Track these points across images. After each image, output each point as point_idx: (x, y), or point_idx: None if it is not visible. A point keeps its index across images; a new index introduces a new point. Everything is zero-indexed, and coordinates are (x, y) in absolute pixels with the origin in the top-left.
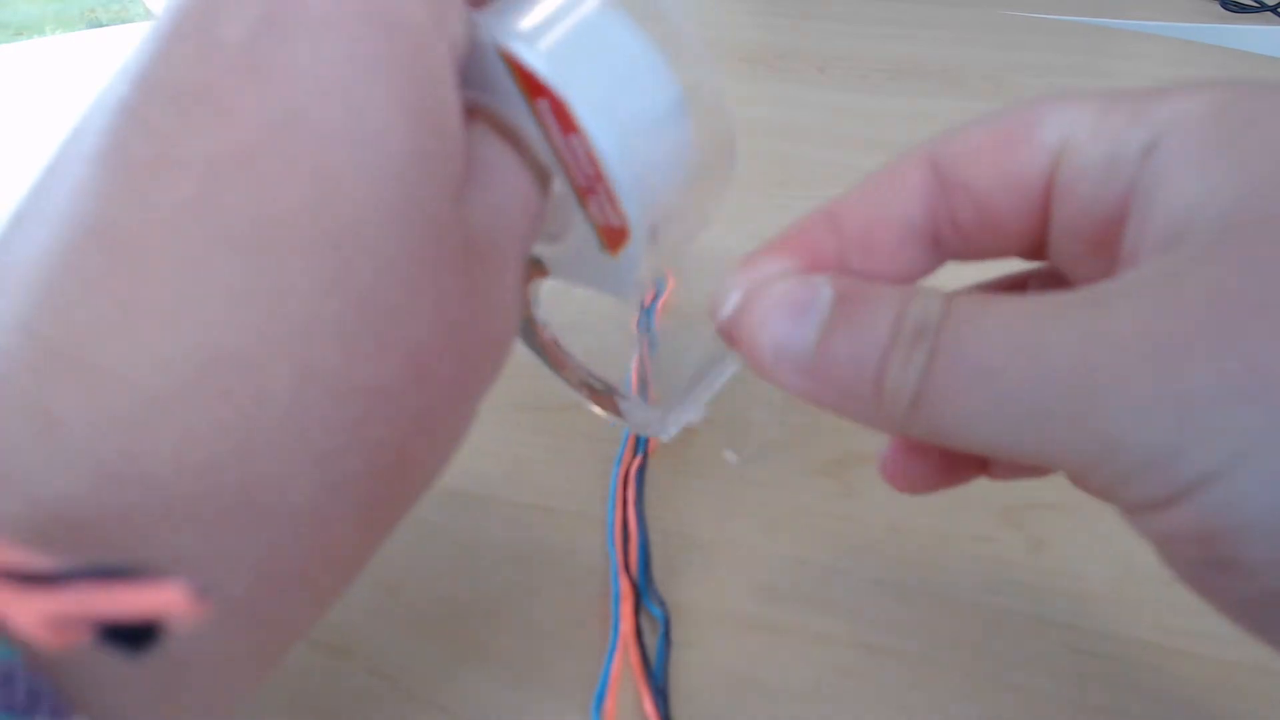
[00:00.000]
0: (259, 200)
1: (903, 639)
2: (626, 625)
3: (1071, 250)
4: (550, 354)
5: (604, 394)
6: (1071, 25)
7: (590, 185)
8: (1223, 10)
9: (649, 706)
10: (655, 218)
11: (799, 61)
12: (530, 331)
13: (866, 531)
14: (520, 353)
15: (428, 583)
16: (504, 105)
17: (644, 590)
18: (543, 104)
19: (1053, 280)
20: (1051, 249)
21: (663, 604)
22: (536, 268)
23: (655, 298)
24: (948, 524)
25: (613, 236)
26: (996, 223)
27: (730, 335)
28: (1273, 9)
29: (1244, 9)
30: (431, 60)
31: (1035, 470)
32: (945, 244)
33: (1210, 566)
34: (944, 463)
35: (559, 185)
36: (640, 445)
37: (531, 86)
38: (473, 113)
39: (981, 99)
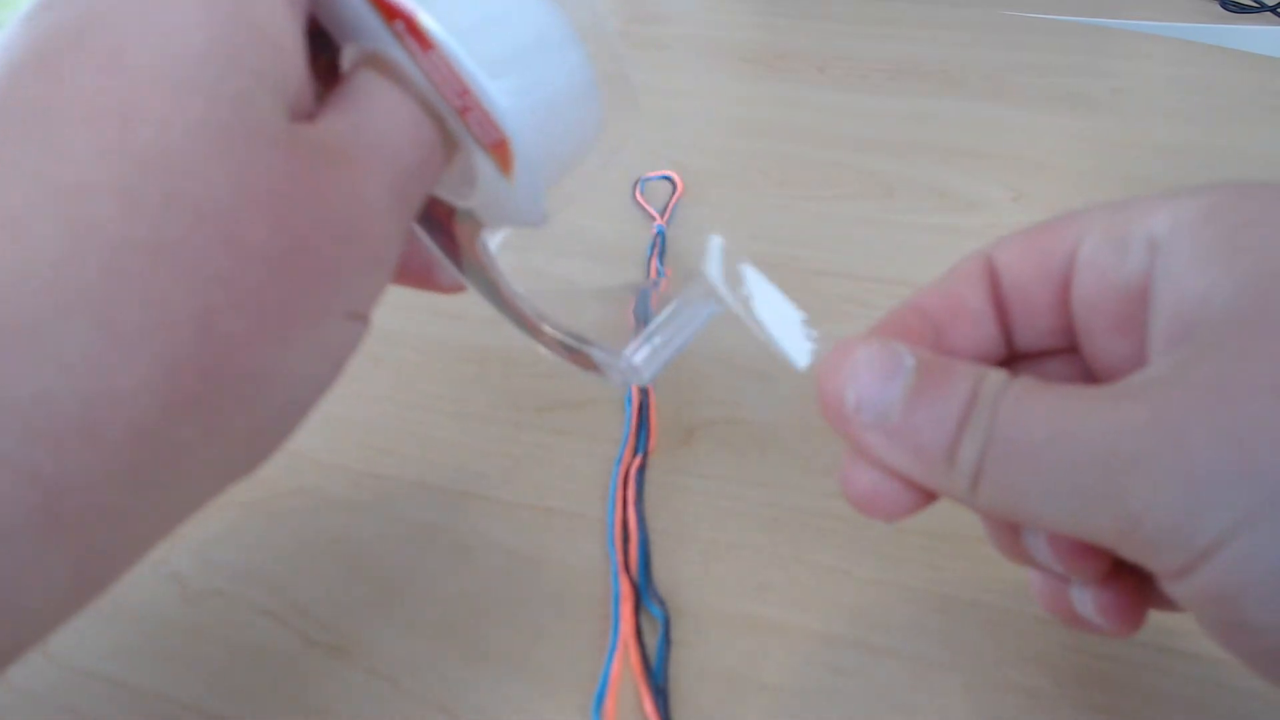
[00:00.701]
0: (51, 87)
1: (903, 639)
2: (626, 625)
3: (1094, 338)
4: (519, 316)
5: (579, 351)
6: (1071, 25)
7: (464, 102)
8: (1223, 10)
9: (649, 706)
10: (540, 134)
11: (799, 61)
12: (494, 292)
13: (866, 532)
14: (521, 353)
15: (428, 583)
16: (379, 43)
17: (644, 590)
18: (399, 25)
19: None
20: (1080, 338)
21: (663, 604)
22: (471, 220)
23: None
24: (948, 524)
25: (500, 152)
26: (1035, 314)
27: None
28: (1273, 9)
29: (1244, 9)
30: None
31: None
32: (1006, 334)
33: (1229, 627)
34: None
35: (449, 119)
36: (640, 445)
37: (386, 9)
38: (368, 60)
39: (981, 99)
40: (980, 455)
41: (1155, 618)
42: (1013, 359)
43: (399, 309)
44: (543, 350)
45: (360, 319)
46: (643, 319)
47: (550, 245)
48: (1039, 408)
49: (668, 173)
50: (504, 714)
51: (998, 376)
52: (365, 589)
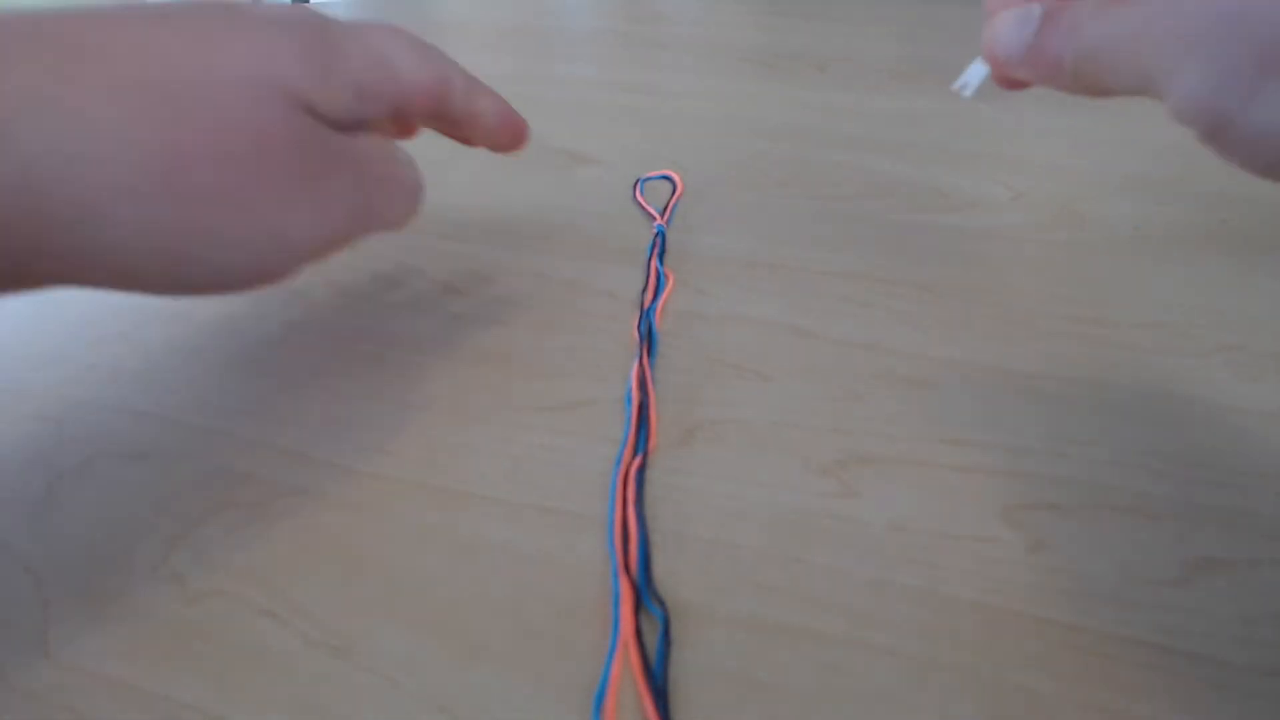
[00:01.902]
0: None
1: (903, 639)
2: (626, 625)
3: None
4: None
5: None
6: None
7: None
8: None
9: (649, 707)
10: None
11: (799, 61)
12: None
13: (866, 531)
14: (522, 353)
15: (428, 583)
16: None
17: (644, 590)
18: None
19: None
20: None
21: (663, 604)
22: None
23: (655, 298)
24: (948, 524)
25: None
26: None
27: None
28: None
29: None
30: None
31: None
32: None
33: (1216, 139)
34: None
35: None
36: (640, 445)
37: None
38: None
39: (982, 99)
40: (1075, 56)
41: (1155, 618)
42: None
43: (399, 309)
44: None
45: (281, 235)
46: (644, 333)
47: (550, 245)
48: (1101, 15)
49: (668, 173)
50: (504, 714)
51: (1080, 10)
52: (365, 589)
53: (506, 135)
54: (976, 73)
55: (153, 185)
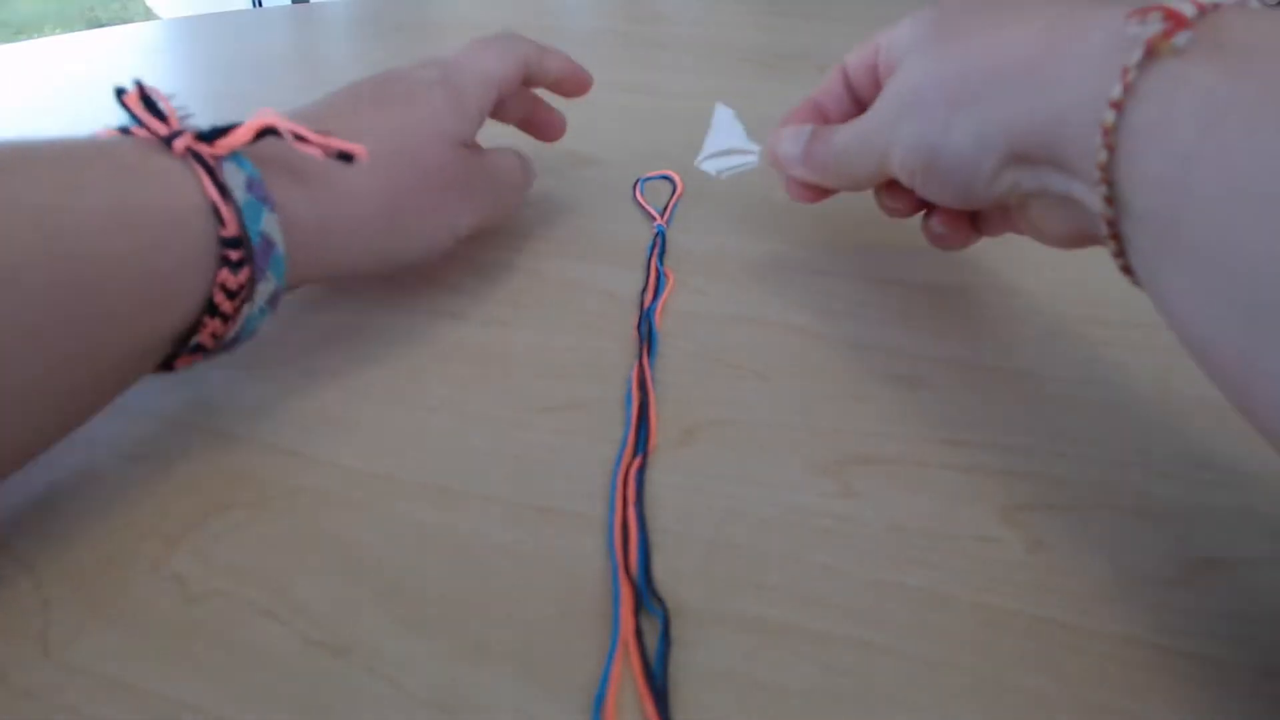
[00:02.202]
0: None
1: (903, 639)
2: (626, 625)
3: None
4: None
5: None
6: None
7: None
8: None
9: (649, 707)
10: None
11: (799, 61)
12: None
13: (866, 531)
14: (522, 353)
15: (428, 583)
16: None
17: (644, 590)
18: None
19: None
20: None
21: (663, 604)
22: None
23: (655, 298)
24: (948, 524)
25: None
26: (863, 89)
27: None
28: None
29: None
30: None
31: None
32: (856, 103)
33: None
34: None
35: None
36: (640, 445)
37: None
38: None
39: None
40: (832, 157)
41: (1156, 618)
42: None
43: (399, 309)
44: None
45: (452, 228)
46: (644, 333)
47: (550, 245)
48: (842, 130)
49: (668, 173)
50: (504, 714)
51: (833, 127)
52: (365, 589)
53: (571, 84)
54: (740, 160)
55: (383, 217)
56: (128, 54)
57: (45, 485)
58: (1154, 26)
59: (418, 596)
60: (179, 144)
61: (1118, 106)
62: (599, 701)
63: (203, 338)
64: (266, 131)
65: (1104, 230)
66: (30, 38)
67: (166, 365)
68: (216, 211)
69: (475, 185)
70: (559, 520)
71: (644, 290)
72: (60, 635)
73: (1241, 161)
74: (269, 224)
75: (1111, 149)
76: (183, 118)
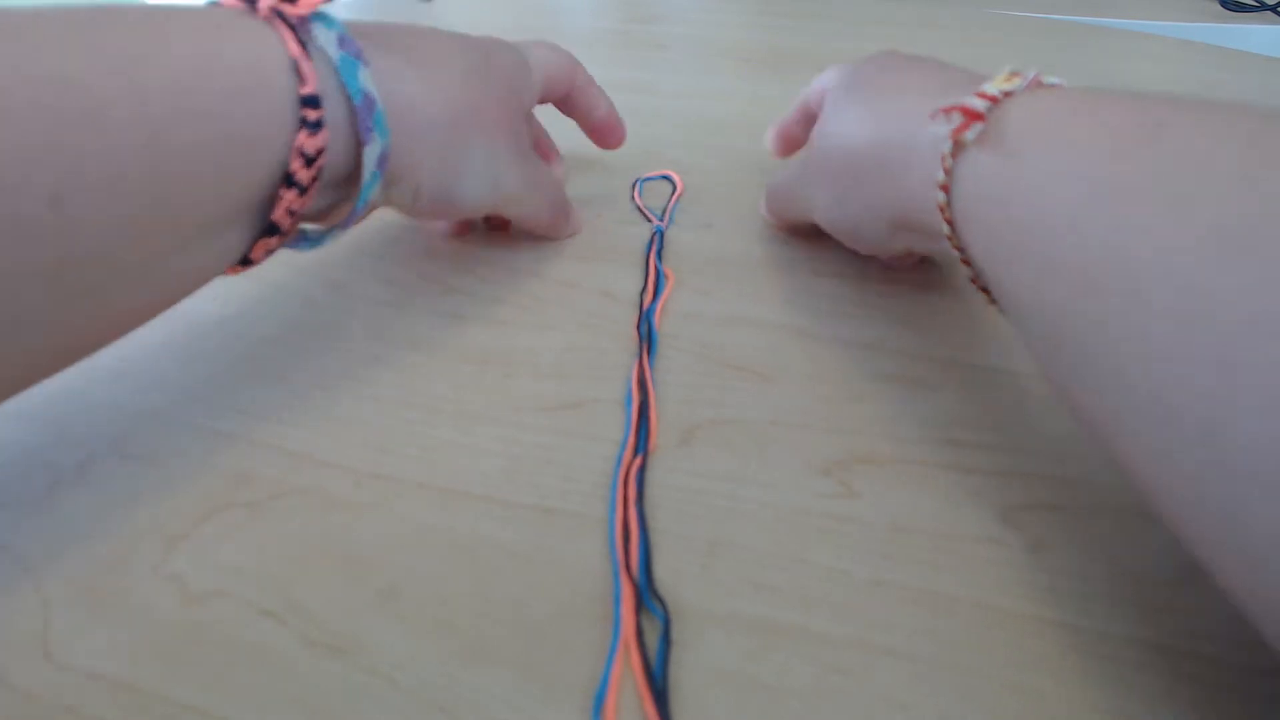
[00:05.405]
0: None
1: (903, 639)
2: (627, 626)
3: None
4: None
5: None
6: (1071, 25)
7: None
8: (1222, 10)
9: (649, 707)
10: None
11: (799, 61)
12: None
13: (866, 531)
14: (522, 353)
15: (428, 583)
16: None
17: (644, 590)
18: None
19: None
20: None
21: (663, 604)
22: None
23: (655, 298)
24: (948, 524)
25: None
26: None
27: None
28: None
29: (1244, 8)
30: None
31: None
32: None
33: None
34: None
35: None
36: (640, 445)
37: None
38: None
39: None
40: (770, 204)
41: (1156, 618)
42: None
43: (399, 309)
44: None
45: (496, 178)
46: (644, 332)
47: (549, 245)
48: (779, 175)
49: (667, 173)
50: (504, 714)
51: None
52: (365, 589)
53: (608, 131)
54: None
55: (449, 126)
56: None
57: (45, 485)
58: (954, 122)
59: (418, 596)
60: (264, 4)
61: (945, 189)
62: (599, 701)
63: (278, 215)
64: None
65: (976, 283)
66: None
67: (245, 261)
68: (297, 69)
69: (524, 155)
70: (559, 520)
71: (644, 290)
72: (60, 635)
73: (1017, 233)
74: (365, 79)
75: (950, 223)
76: None
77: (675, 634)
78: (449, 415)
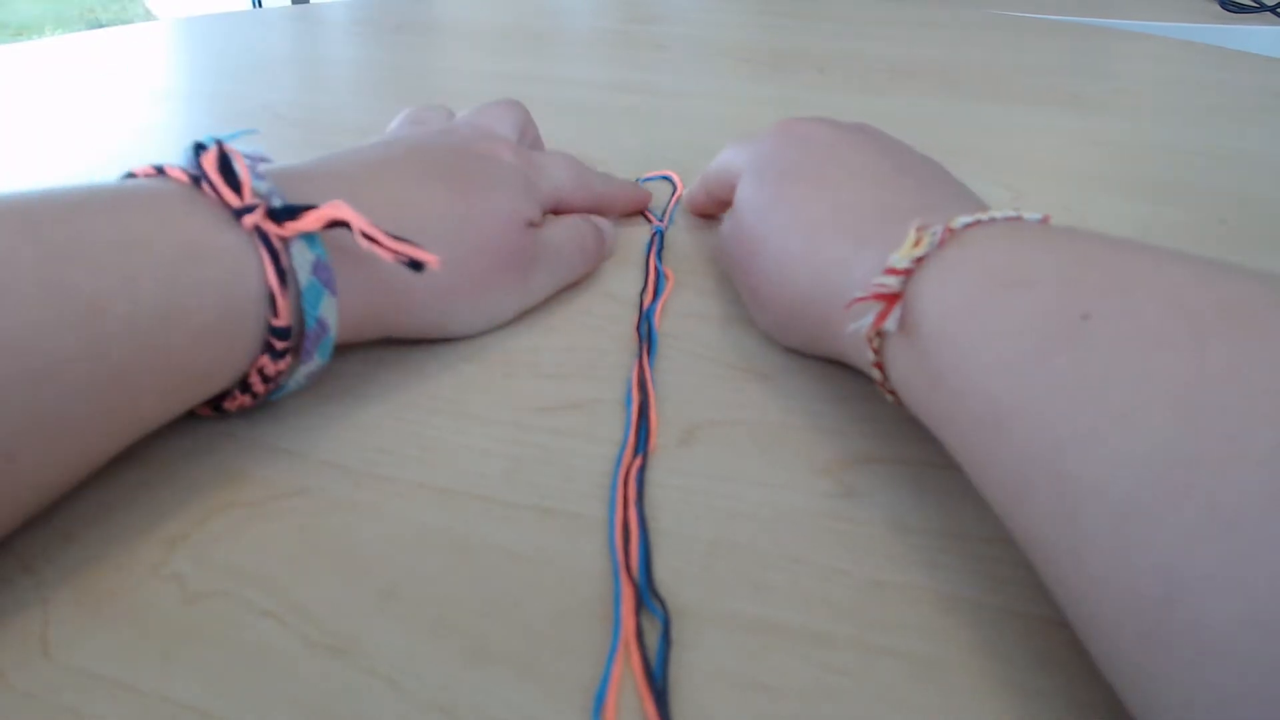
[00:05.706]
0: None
1: (903, 639)
2: (627, 626)
3: None
4: None
5: None
6: (1071, 25)
7: None
8: (1222, 10)
9: (649, 707)
10: None
11: (799, 61)
12: None
13: (866, 531)
14: (522, 353)
15: (428, 583)
16: None
17: (644, 590)
18: None
19: None
20: None
21: (663, 604)
22: None
23: (655, 299)
24: (948, 524)
25: None
26: (725, 201)
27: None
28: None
29: (1244, 9)
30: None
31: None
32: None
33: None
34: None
35: None
36: (640, 445)
37: None
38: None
39: (981, 99)
40: (705, 181)
41: None
42: None
43: None
44: None
45: (516, 303)
46: (644, 333)
47: None
48: (724, 224)
49: (667, 173)
50: (503, 715)
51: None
52: (365, 589)
53: (632, 206)
54: None
55: (442, 299)
56: (127, 55)
57: None
58: (873, 310)
59: (418, 597)
60: (248, 221)
61: (879, 367)
62: (599, 702)
63: (228, 404)
64: (336, 224)
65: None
66: (30, 38)
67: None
68: (272, 300)
69: (541, 260)
70: (559, 520)
71: (644, 290)
72: (60, 635)
73: (952, 421)
74: (327, 308)
75: (892, 393)
76: (255, 161)
77: (675, 634)
78: (449, 415)
